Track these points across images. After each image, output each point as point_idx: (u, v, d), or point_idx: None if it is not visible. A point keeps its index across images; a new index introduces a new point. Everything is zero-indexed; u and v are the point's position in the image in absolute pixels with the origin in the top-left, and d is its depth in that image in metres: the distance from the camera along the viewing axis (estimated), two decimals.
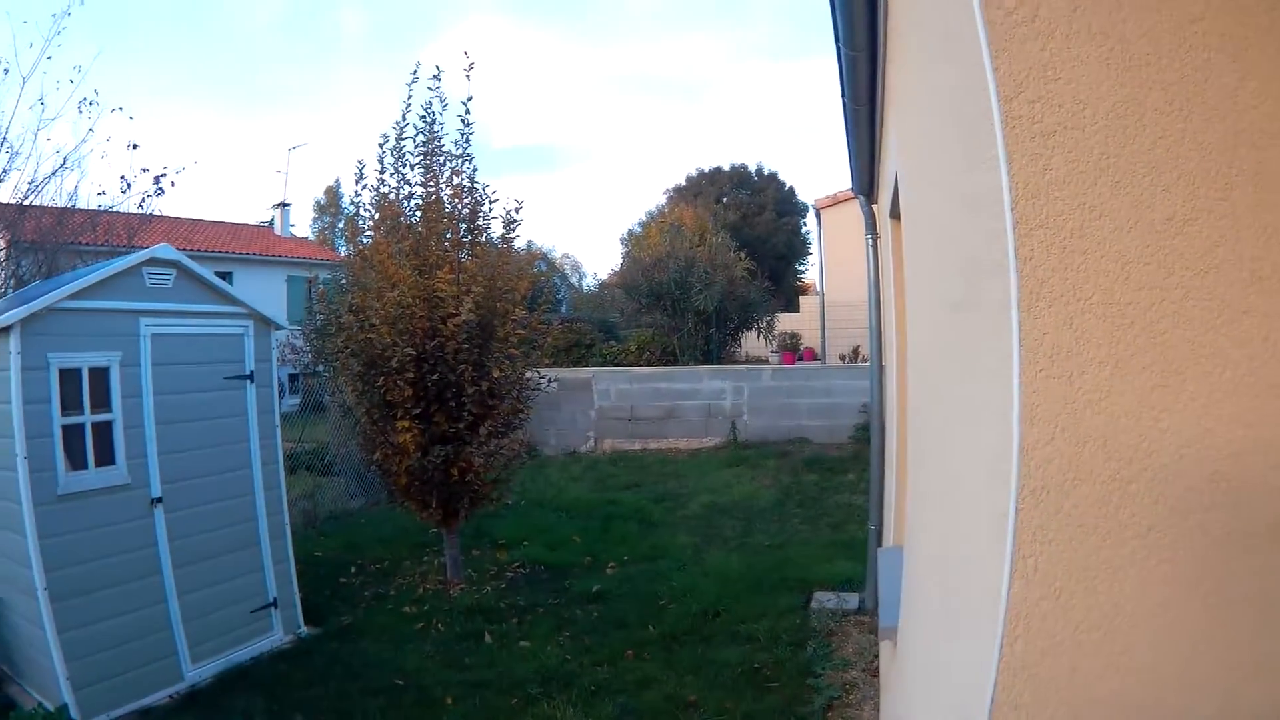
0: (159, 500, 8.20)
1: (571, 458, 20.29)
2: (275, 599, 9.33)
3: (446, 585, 11.04)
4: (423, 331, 10.21)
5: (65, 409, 7.55)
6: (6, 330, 7.21)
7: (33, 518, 7.21)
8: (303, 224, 65.81)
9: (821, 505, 14.46)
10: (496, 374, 10.58)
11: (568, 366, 22.81)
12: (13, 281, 12.88)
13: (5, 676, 8.51)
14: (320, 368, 19.58)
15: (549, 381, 12.32)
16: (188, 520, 8.44)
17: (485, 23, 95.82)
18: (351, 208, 11.71)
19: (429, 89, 10.68)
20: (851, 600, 9.47)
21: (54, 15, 12.23)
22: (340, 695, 7.99)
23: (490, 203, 11.00)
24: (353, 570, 11.82)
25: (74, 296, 7.63)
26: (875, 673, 7.68)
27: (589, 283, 60.71)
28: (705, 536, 12.93)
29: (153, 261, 8.28)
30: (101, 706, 7.51)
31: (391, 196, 10.78)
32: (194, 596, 8.43)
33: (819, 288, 30.48)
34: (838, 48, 5.92)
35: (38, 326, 7.35)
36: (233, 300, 9.03)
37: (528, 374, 11.22)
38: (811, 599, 9.68)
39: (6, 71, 12.76)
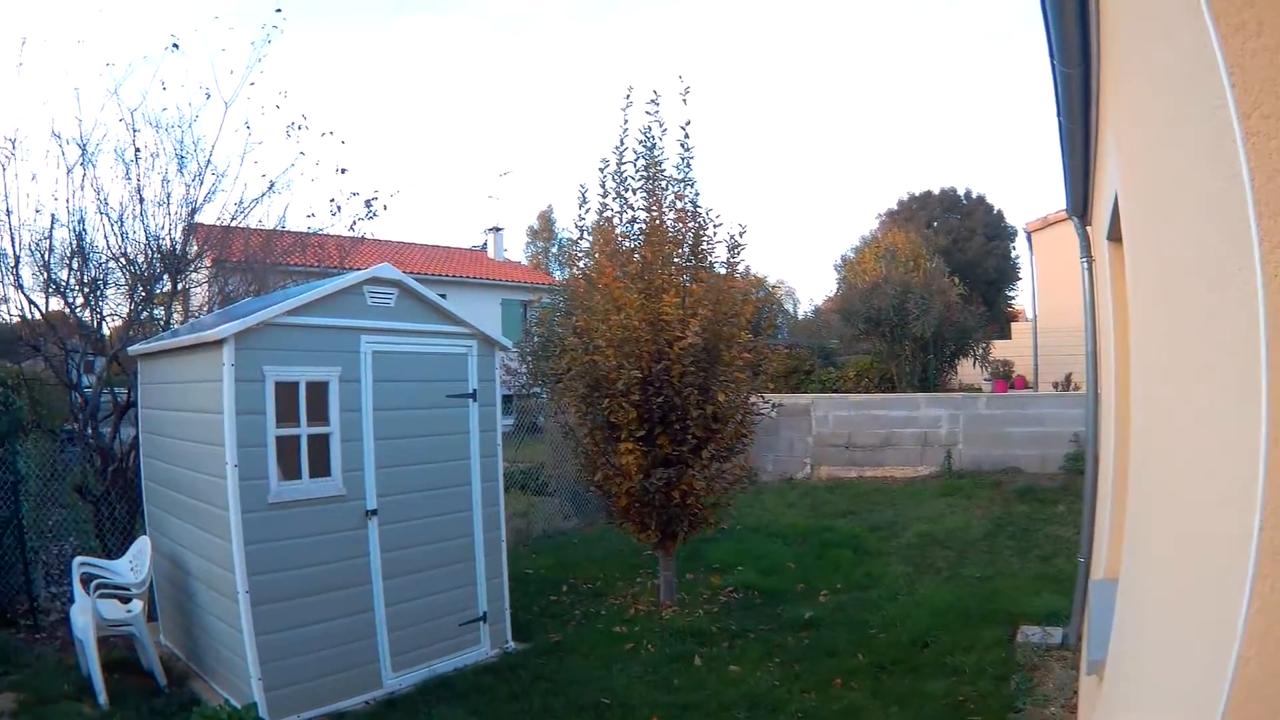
0: (374, 512, 8.06)
1: (788, 484, 19.65)
2: (485, 613, 9.08)
3: (659, 607, 10.63)
4: (648, 355, 9.87)
5: (281, 420, 7.48)
6: (220, 343, 7.19)
7: (239, 524, 7.16)
8: (514, 249, 66.66)
9: (1031, 537, 13.75)
10: (721, 398, 10.15)
11: (787, 392, 22.17)
12: (219, 299, 12.89)
13: (191, 672, 8.62)
14: (536, 389, 19.38)
15: (772, 407, 11.82)
16: (403, 533, 8.28)
17: (686, 43, 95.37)
18: (575, 231, 11.35)
19: (647, 113, 10.36)
20: (1055, 635, 8.88)
21: (252, 43, 12.06)
22: (544, 710, 7.70)
23: (714, 227, 10.57)
24: (564, 589, 11.50)
25: (292, 312, 7.57)
26: (1073, 709, 7.17)
27: (805, 309, 60.13)
28: (918, 566, 12.31)
29: (374, 281, 8.17)
30: (292, 708, 7.42)
31: (615, 220, 10.51)
32: (402, 607, 8.27)
33: (1030, 313, 29.45)
34: (1052, 64, 5.60)
35: (253, 340, 7.30)
36: (457, 320, 8.87)
37: (751, 399, 10.71)
38: (1017, 632, 9.12)
39: (209, 96, 12.68)
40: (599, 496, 11.33)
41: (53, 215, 12.16)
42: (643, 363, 9.83)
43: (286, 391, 7.52)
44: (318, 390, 7.73)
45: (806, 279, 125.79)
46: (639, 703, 7.81)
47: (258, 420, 7.30)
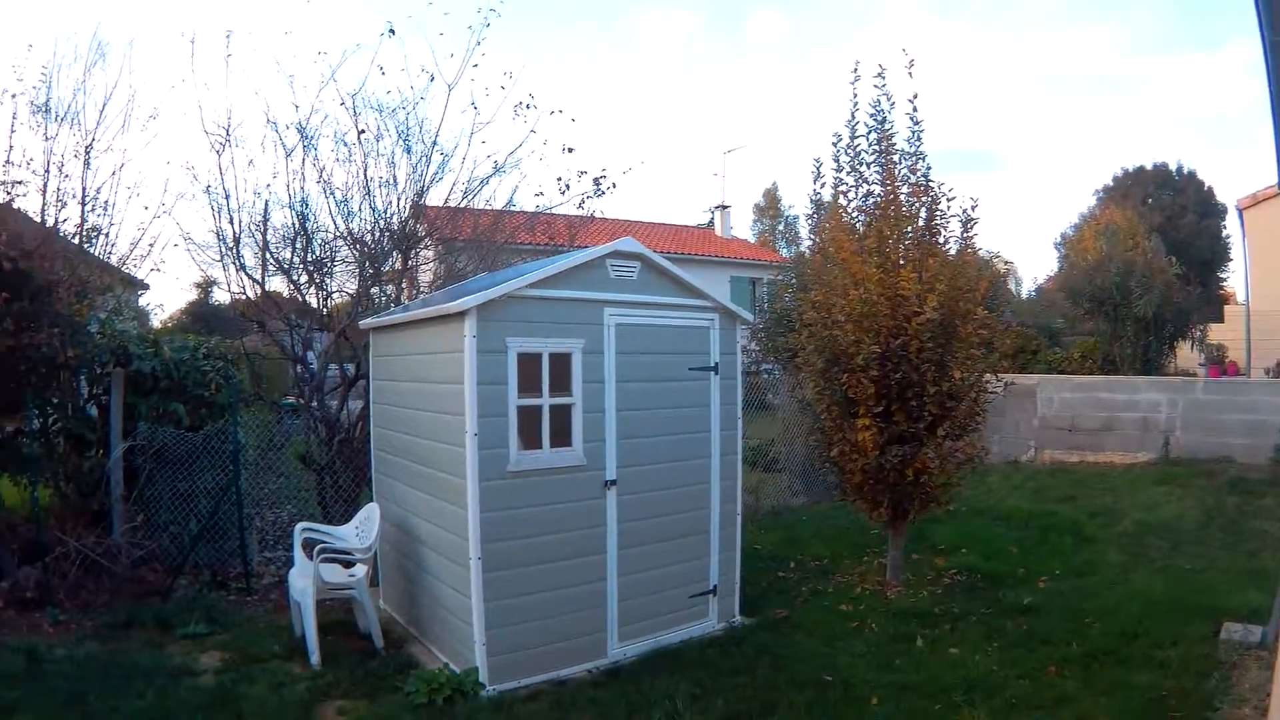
0: (613, 483, 7.98)
1: (1013, 466, 19.21)
2: (715, 587, 8.89)
3: (884, 587, 10.32)
4: (886, 330, 9.53)
5: (523, 391, 7.44)
6: (462, 315, 7.18)
7: (476, 491, 7.16)
8: (740, 226, 65.92)
9: (1240, 530, 13.19)
10: (957, 375, 9.78)
11: (1013, 372, 21.46)
12: (444, 278, 13.02)
13: (409, 637, 8.76)
14: (767, 366, 19.09)
15: (1005, 385, 11.37)
16: (641, 504, 8.17)
17: (898, 20, 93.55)
18: (809, 206, 11.17)
19: (875, 86, 10.08)
20: (1256, 634, 8.50)
21: (470, 27, 12.01)
22: (766, 685, 7.49)
23: (947, 200, 10.18)
24: (791, 565, 11.26)
25: (535, 285, 7.49)
26: (1264, 712, 6.93)
27: (1027, 289, 58.69)
28: (1133, 555, 11.91)
29: (617, 254, 8.02)
30: (514, 674, 7.43)
31: (850, 194, 10.25)
32: (634, 578, 8.17)
33: (1242, 295, 28.01)
34: (1262, 34, 5.30)
35: (496, 312, 7.27)
36: (699, 294, 8.62)
37: (985, 376, 10.33)
38: (1221, 628, 8.72)
39: (432, 79, 12.68)
40: (833, 472, 11.04)
41: (266, 202, 12.44)
42: (881, 338, 9.51)
43: (529, 363, 7.46)
44: (561, 362, 7.63)
45: (1027, 258, 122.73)
46: (859, 681, 7.62)
47: (499, 390, 7.27)
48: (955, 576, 10.82)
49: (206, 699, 7.40)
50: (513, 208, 13.75)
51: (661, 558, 8.33)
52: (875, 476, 9.89)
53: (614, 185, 14.12)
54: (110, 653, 8.68)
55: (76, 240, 12.36)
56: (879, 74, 10.06)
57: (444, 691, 7.10)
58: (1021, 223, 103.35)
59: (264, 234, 12.58)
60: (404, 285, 13.03)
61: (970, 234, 10.27)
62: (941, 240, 10.21)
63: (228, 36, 12.37)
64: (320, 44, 34.05)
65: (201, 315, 28.08)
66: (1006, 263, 49.46)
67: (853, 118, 10.16)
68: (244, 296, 13.15)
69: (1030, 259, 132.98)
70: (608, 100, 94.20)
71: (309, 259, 12.78)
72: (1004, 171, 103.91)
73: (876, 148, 10.09)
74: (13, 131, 11.93)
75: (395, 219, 12.75)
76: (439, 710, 6.96)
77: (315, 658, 7.99)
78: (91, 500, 11.46)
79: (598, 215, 13.97)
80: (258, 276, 12.83)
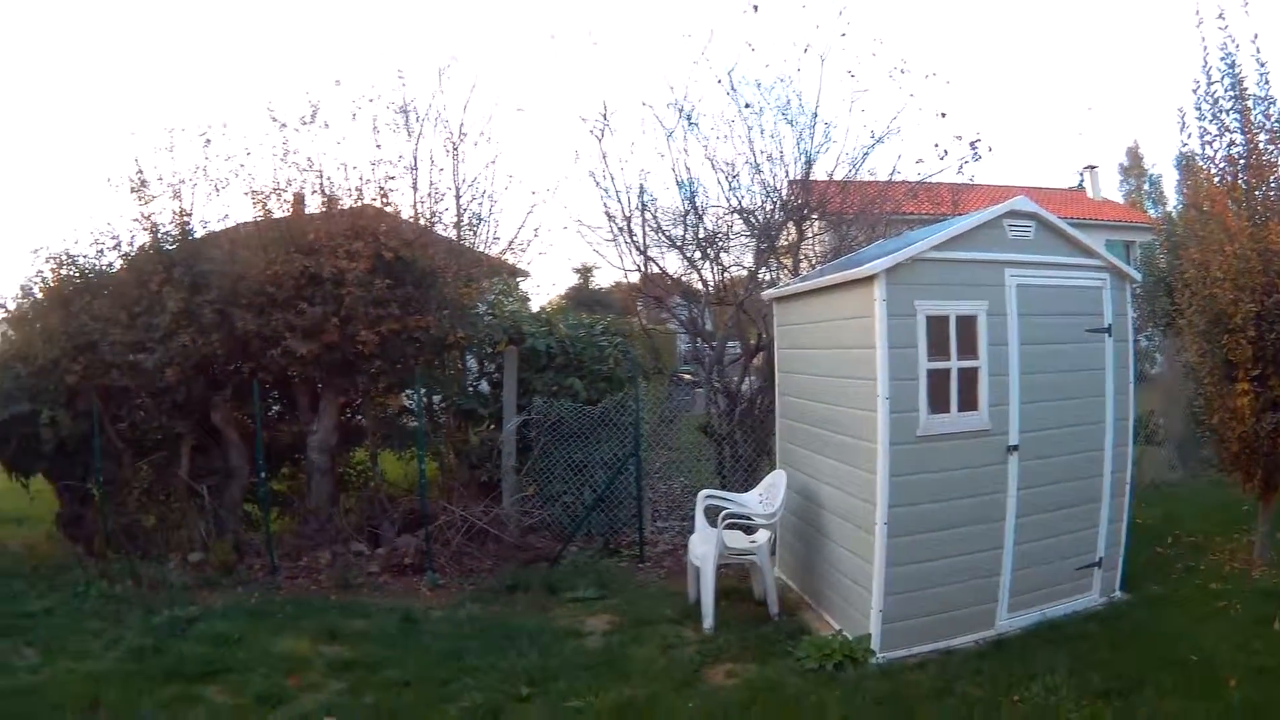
0: (1015, 448, 7.55)
1: None
2: (1101, 559, 8.29)
3: (1250, 565, 9.48)
4: (1260, 287, 8.74)
5: (931, 354, 7.18)
6: (871, 279, 7.05)
7: (886, 456, 6.99)
8: (1107, 187, 62.89)
9: None
10: None
11: None
12: (832, 250, 12.74)
13: (802, 603, 8.68)
14: (1145, 335, 18.18)
15: None
16: (1038, 471, 7.70)
17: None
18: (1178, 158, 10.54)
19: (1219, 29, 9.26)
20: None
21: None
22: (1138, 663, 7.01)
23: None
24: (1169, 541, 10.50)
25: (938, 247, 7.22)
26: None
27: None
28: None
29: (1013, 214, 7.61)
30: (904, 642, 7.21)
31: (1214, 144, 9.42)
32: (1028, 547, 7.70)
33: None
34: None
35: (902, 276, 7.05)
36: (1092, 252, 8.09)
37: None
38: None
39: (806, 50, 12.43)
40: (1212, 443, 10.20)
41: (640, 184, 12.55)
42: (1255, 296, 8.74)
43: (936, 325, 7.19)
44: (966, 324, 7.30)
45: None
46: (1221, 663, 7.03)
47: (909, 354, 7.05)
48: None
49: (593, 659, 7.57)
50: (894, 177, 13.43)
51: (1055, 526, 7.86)
52: (1250, 445, 9.10)
53: (990, 149, 13.72)
54: (491, 615, 9.00)
55: (456, 230, 12.91)
56: (1219, 14, 9.30)
57: (835, 658, 6.95)
58: None
59: (653, 213, 12.92)
60: (798, 258, 12.98)
61: None
62: None
63: (589, 31, 12.80)
64: (684, 26, 34.29)
65: (582, 299, 28.65)
66: None
67: (1205, 63, 9.44)
68: (637, 274, 13.57)
69: None
70: (970, 60, 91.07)
71: (700, 235, 12.96)
72: None
73: (1231, 93, 9.32)
74: (376, 132, 12.60)
75: (784, 192, 12.73)
76: (828, 676, 6.83)
77: (709, 621, 8.01)
78: (480, 472, 11.81)
79: (973, 181, 13.49)
80: (651, 254, 13.16)
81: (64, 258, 12.39)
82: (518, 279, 14.28)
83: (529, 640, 8.02)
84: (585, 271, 31.65)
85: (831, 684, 6.67)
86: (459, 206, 12.88)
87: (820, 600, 8.34)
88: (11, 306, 12.79)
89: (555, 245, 40.15)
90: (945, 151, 12.86)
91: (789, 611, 8.38)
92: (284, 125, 12.13)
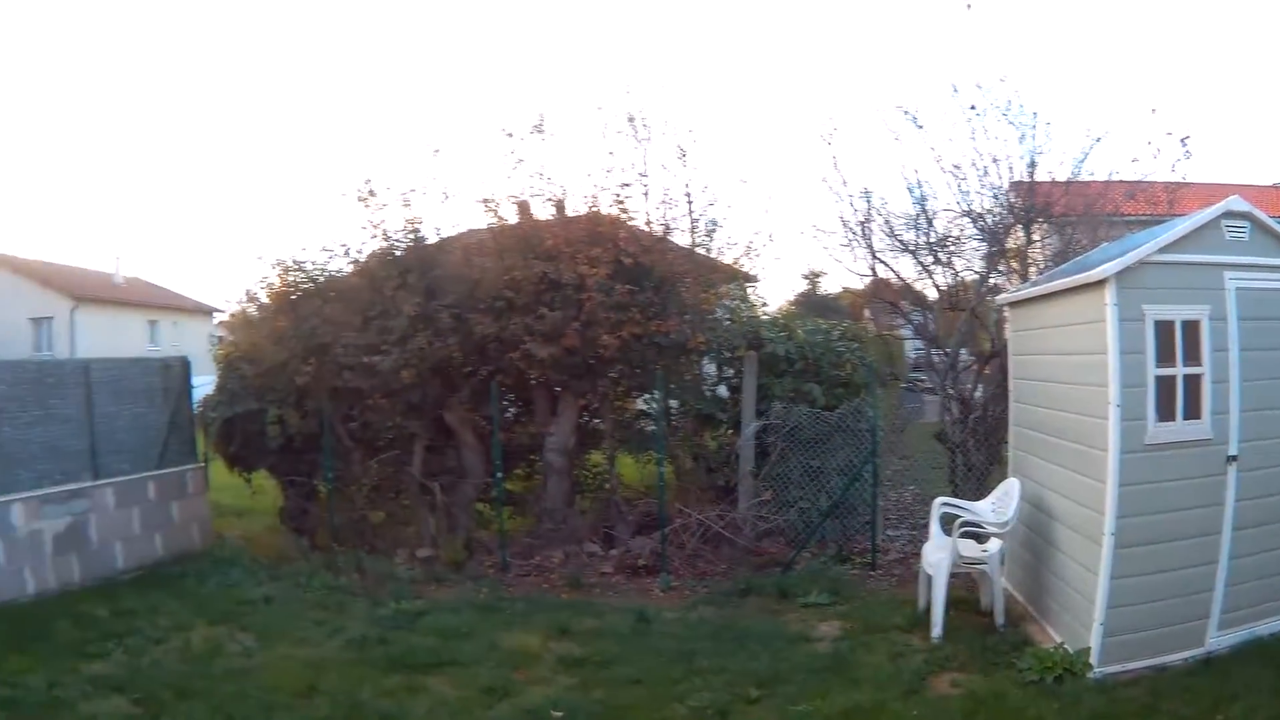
0: (1234, 459, 7.20)
1: None
2: None
3: None
4: None
5: (1158, 360, 7.01)
6: (1101, 283, 6.92)
7: (1117, 464, 6.85)
8: None
9: None
10: None
11: None
12: (1057, 253, 12.46)
13: (1026, 615, 8.55)
14: None
15: None
16: (1260, 482, 7.33)
17: None
18: None
19: None
20: None
21: None
22: None
23: None
24: None
25: (1163, 250, 7.01)
26: None
27: None
28: None
29: (1229, 214, 7.29)
30: (1120, 657, 7.01)
31: None
32: (1243, 561, 7.35)
33: None
34: None
35: (1132, 279, 6.90)
36: None
37: None
38: None
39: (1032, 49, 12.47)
40: None
41: (870, 188, 12.53)
42: None
43: (1163, 331, 7.01)
44: (1190, 329, 7.07)
45: None
46: None
47: (1138, 360, 6.93)
48: None
49: (822, 664, 7.67)
50: (1112, 177, 13.04)
51: (1271, 542, 7.49)
52: None
53: (1199, 146, 13.27)
54: (723, 618, 9.21)
55: (690, 236, 13.09)
56: None
57: (1055, 670, 6.91)
58: None
59: (885, 217, 12.98)
60: (1026, 261, 12.87)
61: None
62: None
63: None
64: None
65: (811, 304, 28.83)
66: None
67: None
68: (870, 279, 13.60)
69: None
70: (1161, 52, 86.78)
71: (931, 239, 12.91)
72: None
73: None
74: (606, 139, 13.17)
75: (1010, 194, 12.63)
76: (1047, 688, 6.79)
77: (938, 630, 8.07)
78: (717, 476, 12.02)
79: (1186, 180, 13.01)
80: (886, 259, 13.20)
81: (291, 264, 13.17)
82: (748, 285, 14.46)
83: (759, 643, 8.19)
84: (813, 277, 31.51)
85: (1050, 697, 6.64)
86: (690, 212, 13.04)
87: (1043, 612, 8.26)
88: (237, 311, 13.76)
89: (787, 250, 39.98)
90: (1159, 150, 12.46)
91: (1014, 623, 8.32)
92: (511, 135, 12.50)
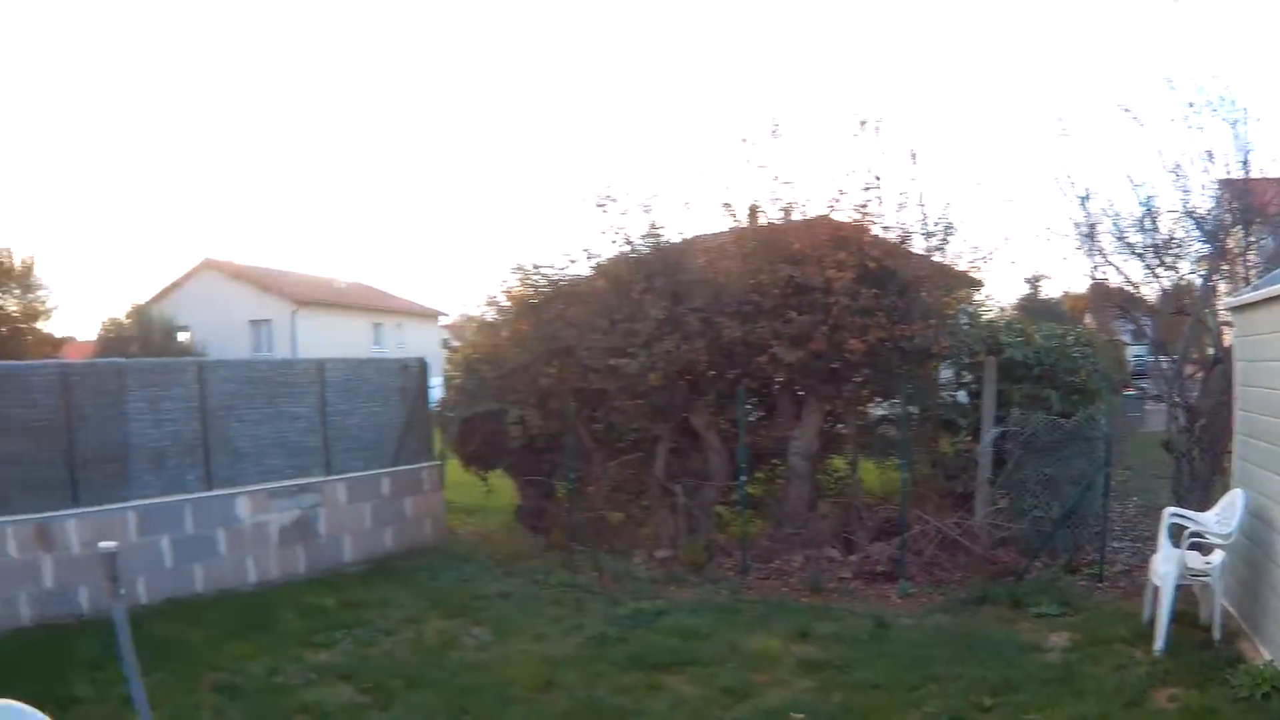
0: None
1: None
2: None
3: None
4: None
5: None
6: None
7: None
8: None
9: None
10: None
11: None
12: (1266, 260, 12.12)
13: (1240, 631, 8.35)
14: None
15: None
16: None
17: None
18: None
19: None
20: None
21: None
22: None
23: None
24: None
25: None
26: None
27: None
28: None
29: None
30: None
31: None
32: None
33: None
34: None
35: None
36: None
37: None
38: None
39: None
40: None
41: (1087, 189, 12.36)
42: None
43: None
44: None
45: None
46: None
47: None
48: None
49: (1050, 674, 7.79)
50: None
51: None
52: None
53: None
54: (958, 625, 9.44)
55: (926, 240, 12.95)
56: None
57: (1264, 688, 6.89)
58: None
59: (1114, 219, 12.66)
60: (1248, 264, 12.44)
61: None
62: None
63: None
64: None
65: (1032, 308, 28.38)
66: None
67: None
68: (1095, 282, 13.43)
69: None
70: None
71: (1156, 241, 12.57)
72: None
73: None
74: (841, 142, 13.32)
75: (1227, 194, 12.23)
76: (1255, 705, 6.80)
77: (1160, 643, 8.07)
78: (955, 483, 12.10)
79: None
80: (1115, 262, 12.92)
81: (530, 269, 13.63)
82: (974, 289, 14.33)
83: (993, 652, 8.35)
84: (1035, 280, 30.82)
85: (1259, 714, 6.69)
86: (924, 215, 12.82)
87: (1256, 627, 8.09)
88: (475, 315, 14.27)
89: (1016, 253, 39.17)
90: None
91: (1227, 638, 8.27)
92: (746, 140, 12.69)
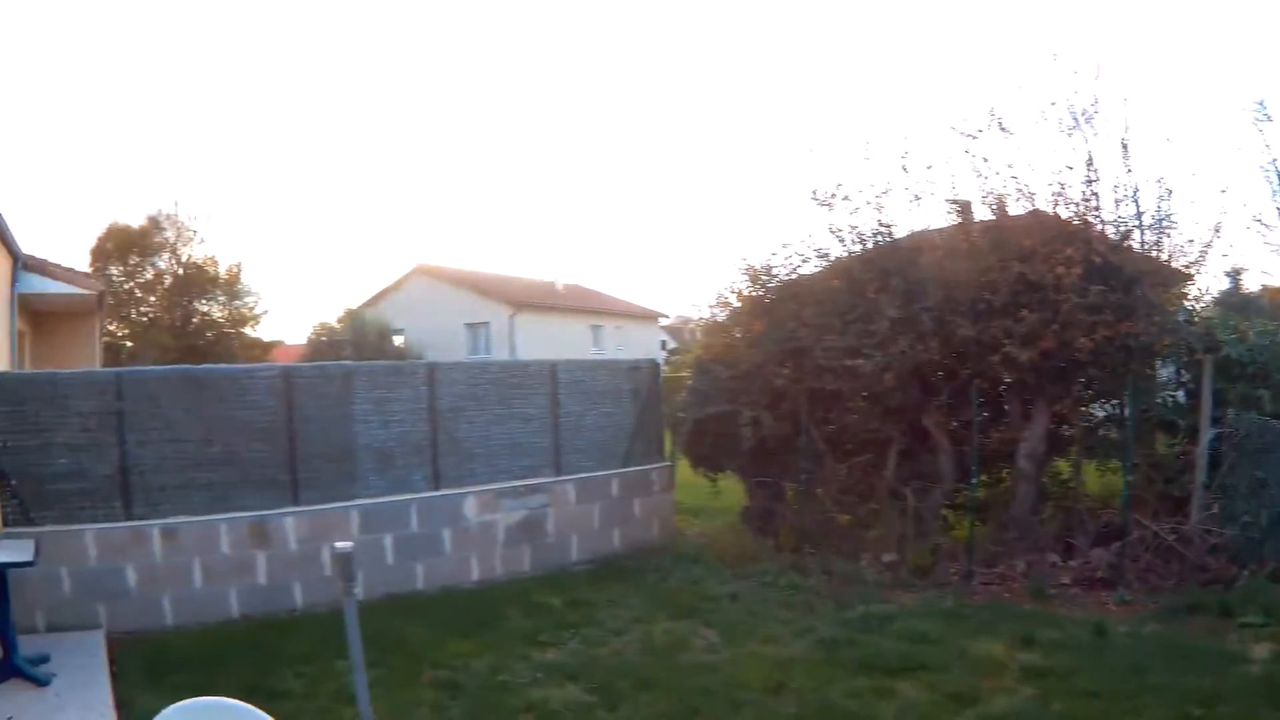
0: None
1: None
2: None
3: None
4: None
5: None
6: None
7: None
8: None
9: None
10: None
11: None
12: None
13: None
14: None
15: None
16: None
17: None
18: None
19: None
20: None
21: None
22: None
23: None
24: None
25: None
26: None
27: None
28: None
29: None
30: None
31: None
32: None
33: None
34: None
35: None
36: None
37: None
38: None
39: None
40: None
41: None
42: None
43: None
44: None
45: None
46: None
47: None
48: None
49: (1252, 686, 7.90)
50: None
51: None
52: None
53: None
54: (1169, 634, 9.45)
55: (1141, 233, 12.77)
56: None
57: None
58: None
59: None
60: None
61: None
62: None
63: None
64: None
65: (1231, 303, 27.63)
66: None
67: None
68: None
69: None
70: None
71: None
72: None
73: None
74: (1060, 136, 12.65)
75: None
76: None
77: None
78: (1173, 486, 12.00)
79: None
80: None
81: (761, 268, 13.96)
82: (1188, 284, 13.99)
83: (1200, 661, 8.42)
84: (1236, 274, 29.69)
85: None
86: (1138, 209, 12.62)
87: None
88: (697, 316, 14.55)
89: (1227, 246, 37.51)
90: None
91: None
92: (967, 134, 12.79)
